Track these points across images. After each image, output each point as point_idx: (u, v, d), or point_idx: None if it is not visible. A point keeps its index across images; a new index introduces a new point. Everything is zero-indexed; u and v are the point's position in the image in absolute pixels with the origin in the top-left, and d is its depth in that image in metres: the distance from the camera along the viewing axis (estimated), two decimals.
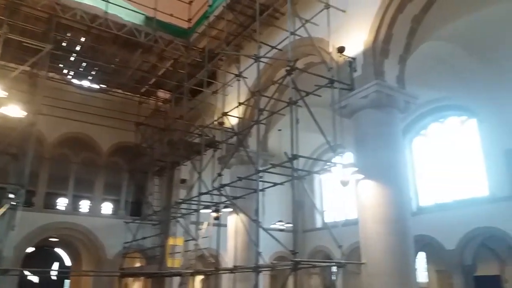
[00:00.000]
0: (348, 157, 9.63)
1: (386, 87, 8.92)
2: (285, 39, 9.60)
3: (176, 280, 14.90)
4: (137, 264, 19.22)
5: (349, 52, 9.39)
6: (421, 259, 16.80)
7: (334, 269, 19.53)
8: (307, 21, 9.50)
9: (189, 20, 15.13)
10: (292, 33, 9.46)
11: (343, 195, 17.43)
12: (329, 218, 19.41)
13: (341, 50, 9.28)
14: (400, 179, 8.65)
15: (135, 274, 18.56)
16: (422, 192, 16.53)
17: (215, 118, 13.03)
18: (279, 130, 14.00)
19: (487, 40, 11.71)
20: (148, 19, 14.41)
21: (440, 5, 9.24)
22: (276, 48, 10.51)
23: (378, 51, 9.07)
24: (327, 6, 9.45)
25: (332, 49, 9.48)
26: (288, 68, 9.00)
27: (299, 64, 10.52)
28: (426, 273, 16.96)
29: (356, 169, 8.45)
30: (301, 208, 20.49)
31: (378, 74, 8.98)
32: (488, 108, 13.74)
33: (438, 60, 12.49)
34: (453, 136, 15.94)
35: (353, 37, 9.53)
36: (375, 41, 9.07)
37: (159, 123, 16.76)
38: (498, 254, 14.91)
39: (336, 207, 19.54)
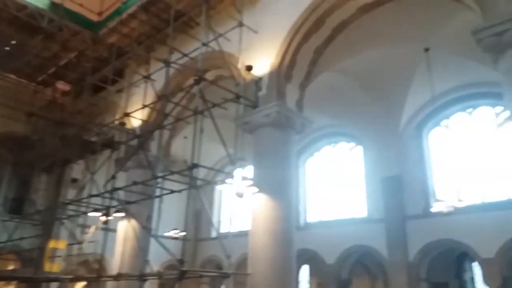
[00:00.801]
0: (249, 170, 10.06)
1: (286, 109, 9.58)
2: (197, 48, 9.75)
3: (54, 286, 13.75)
4: (11, 267, 17.27)
5: (257, 71, 9.90)
6: (304, 271, 17.97)
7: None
8: (220, 35, 9.80)
9: (100, 13, 14.43)
10: (204, 44, 9.67)
11: (241, 207, 17.94)
12: (226, 228, 19.75)
13: (249, 68, 9.76)
14: (290, 195, 9.27)
15: (7, 278, 16.62)
16: (310, 208, 17.78)
17: (117, 117, 12.56)
18: (185, 137, 13.99)
19: (377, 77, 13.26)
20: (55, 5, 13.42)
21: (340, 41, 10.27)
22: (188, 56, 10.59)
23: (282, 74, 9.73)
24: (240, 25, 9.89)
25: (241, 66, 9.92)
26: (196, 77, 9.15)
27: (209, 76, 10.75)
28: (309, 285, 18.16)
29: (252, 182, 8.87)
30: (198, 218, 20.51)
31: (280, 96, 9.60)
32: (372, 138, 15.41)
33: (334, 90, 13.73)
34: (342, 161, 17.54)
35: (261, 57, 10.07)
36: (281, 65, 9.72)
37: (54, 116, 15.52)
38: (370, 270, 16.67)
39: (233, 218, 19.97)
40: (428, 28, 10.63)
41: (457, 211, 11.22)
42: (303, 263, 17.37)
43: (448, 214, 10.86)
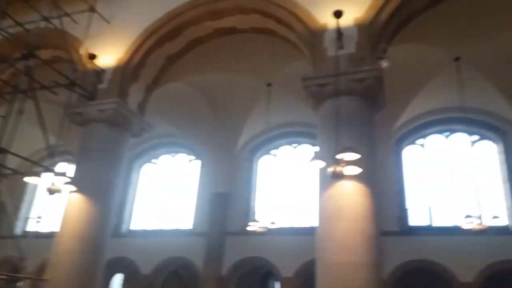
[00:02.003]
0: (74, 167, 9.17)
1: (126, 109, 9.20)
2: (35, 21, 8.60)
3: None
4: None
5: (101, 63, 9.29)
6: (117, 280, 17.10)
7: (21, 283, 17.32)
8: (66, 14, 8.90)
9: None
10: (45, 19, 8.63)
11: (55, 205, 16.13)
12: (34, 227, 17.38)
13: (92, 57, 9.10)
14: (111, 199, 8.82)
15: None
16: (136, 216, 17.19)
17: None
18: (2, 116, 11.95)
19: (225, 98, 13.90)
20: None
21: (194, 56, 10.51)
22: (22, 26, 9.25)
23: (128, 72, 9.36)
24: (92, 9, 9.20)
25: (84, 52, 9.17)
26: (26, 52, 8.04)
27: (44, 54, 9.57)
28: None
29: (69, 179, 8.10)
30: (1, 211, 17.57)
31: (122, 94, 9.20)
32: (210, 154, 15.94)
33: (181, 101, 13.84)
34: (179, 171, 17.62)
35: (109, 50, 9.52)
36: (128, 63, 9.35)
37: None
38: (184, 282, 16.90)
39: (44, 217, 17.77)
40: (272, 65, 11.72)
41: (269, 232, 12.41)
42: (118, 271, 16.53)
43: (261, 234, 11.93)
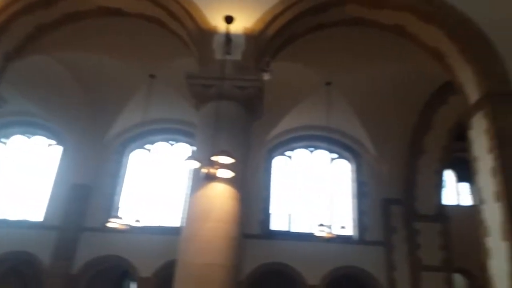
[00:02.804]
0: None
1: None
2: None
3: None
4: None
5: None
6: None
7: None
8: None
9: None
10: None
11: None
12: None
13: None
14: None
15: None
16: None
17: None
18: None
19: (102, 83, 12.79)
20: None
21: (72, 31, 9.46)
22: None
23: None
24: None
25: None
26: None
27: None
28: None
29: None
30: None
31: None
32: (75, 141, 14.39)
33: (48, 78, 12.35)
34: (34, 156, 15.62)
35: None
36: None
37: None
38: (25, 279, 14.97)
39: None
40: (158, 57, 11.26)
41: (131, 230, 11.79)
42: None
43: (122, 231, 11.28)
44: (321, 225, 11.66)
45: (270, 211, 14.74)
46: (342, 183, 15.49)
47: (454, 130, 12.99)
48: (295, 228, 14.77)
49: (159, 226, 14.31)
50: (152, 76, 12.26)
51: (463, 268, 14.22)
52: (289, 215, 15.00)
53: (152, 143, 15.82)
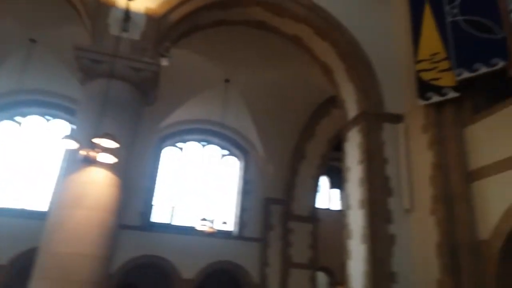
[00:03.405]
0: None
1: None
2: None
3: None
4: None
5: None
6: None
7: None
8: None
9: None
10: None
11: None
12: None
13: None
14: None
15: None
16: None
17: None
18: None
19: None
20: None
21: None
22: None
23: None
24: None
25: None
26: None
27: None
28: None
29: None
30: None
31: None
32: None
33: None
34: None
35: None
36: None
37: None
38: None
39: None
40: (39, 20, 10.02)
41: None
42: None
43: None
44: (204, 219, 11.68)
45: (153, 203, 14.27)
46: (229, 179, 15.77)
47: (333, 140, 14.22)
48: (177, 221, 14.55)
49: (22, 209, 12.76)
50: (32, 40, 10.86)
51: (327, 266, 15.65)
52: (173, 207, 14.71)
53: (24, 115, 13.99)
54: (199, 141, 15.85)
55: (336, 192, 17.55)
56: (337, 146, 13.10)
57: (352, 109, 8.54)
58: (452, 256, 6.36)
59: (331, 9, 8.38)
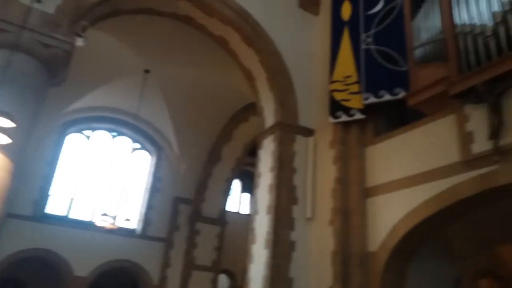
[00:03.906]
0: None
1: None
2: None
3: None
4: None
5: None
6: None
7: None
8: None
9: None
10: None
11: None
12: None
13: None
14: None
15: None
16: None
17: None
18: None
19: None
20: None
21: None
22: None
23: None
24: None
25: None
26: None
27: None
28: None
29: None
30: None
31: None
32: None
33: None
34: None
35: None
36: None
37: None
38: None
39: None
40: None
41: None
42: None
43: None
44: (105, 214, 11.04)
45: (50, 192, 13.11)
46: (138, 175, 15.15)
47: (249, 145, 14.48)
48: (75, 215, 13.53)
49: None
50: None
51: (229, 269, 15.81)
52: (71, 199, 13.67)
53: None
54: (109, 130, 15.00)
55: (247, 196, 17.88)
56: (252, 151, 13.37)
57: (269, 118, 8.79)
58: (344, 265, 6.84)
59: (260, 19, 8.56)
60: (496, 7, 5.70)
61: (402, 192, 6.62)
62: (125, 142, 15.22)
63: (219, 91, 12.52)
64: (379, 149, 7.34)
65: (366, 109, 7.49)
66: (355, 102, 7.57)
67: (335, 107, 7.80)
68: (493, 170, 5.40)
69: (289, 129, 8.33)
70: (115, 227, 11.40)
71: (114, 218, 12.20)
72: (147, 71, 11.84)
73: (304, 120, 8.52)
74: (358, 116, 7.53)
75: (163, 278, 13.64)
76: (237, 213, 17.18)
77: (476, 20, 5.90)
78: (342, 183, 7.43)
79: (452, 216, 6.28)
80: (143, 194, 14.87)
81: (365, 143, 7.57)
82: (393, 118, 7.79)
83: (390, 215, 6.65)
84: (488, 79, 5.49)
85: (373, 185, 7.16)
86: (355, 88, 7.63)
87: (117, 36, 10.35)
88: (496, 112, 5.36)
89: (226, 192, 15.17)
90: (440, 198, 5.98)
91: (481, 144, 5.55)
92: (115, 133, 15.08)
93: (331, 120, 7.84)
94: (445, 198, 5.92)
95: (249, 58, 8.84)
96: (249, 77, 9.11)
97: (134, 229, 14.16)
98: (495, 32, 5.62)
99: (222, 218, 15.03)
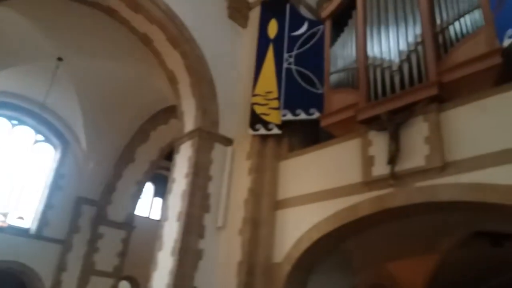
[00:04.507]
0: None
1: None
2: None
3: None
4: None
5: None
6: None
7: None
8: None
9: None
10: None
11: None
12: None
13: None
14: None
15: None
16: None
17: None
18: None
19: None
20: None
21: None
22: None
23: None
24: None
25: None
26: None
27: None
28: None
29: None
30: None
31: None
32: None
33: None
34: None
35: None
36: None
37: None
38: None
39: None
40: None
41: None
42: None
43: None
44: None
45: None
46: (39, 170, 13.85)
47: (166, 149, 14.10)
48: None
49: None
50: None
51: (132, 277, 15.09)
52: None
53: None
54: (9, 118, 13.57)
55: (160, 201, 17.33)
56: (168, 155, 13.03)
57: (189, 123, 8.67)
58: (248, 275, 6.94)
59: (188, 23, 8.44)
60: (403, 46, 6.36)
61: (308, 207, 6.95)
62: (26, 133, 13.86)
63: (140, 90, 12.05)
64: (291, 164, 7.64)
65: (283, 125, 7.77)
66: (274, 117, 7.82)
67: (255, 119, 7.97)
68: (388, 192, 5.94)
69: (209, 137, 8.29)
70: (5, 225, 10.29)
71: (6, 215, 10.97)
72: (60, 59, 10.97)
73: (224, 129, 8.56)
74: (276, 131, 7.78)
75: (57, 283, 12.59)
76: (147, 218, 16.55)
77: (386, 55, 6.51)
78: (255, 194, 7.58)
79: (351, 232, 6.75)
80: (42, 191, 13.62)
81: (280, 157, 7.83)
82: (308, 135, 8.18)
83: (297, 228, 6.93)
84: (390, 109, 6.08)
85: (284, 198, 7.42)
86: (274, 103, 7.88)
87: (30, 18, 9.47)
88: (394, 140, 5.92)
89: (136, 195, 14.55)
90: (341, 215, 6.40)
91: (380, 168, 6.08)
92: (15, 122, 13.67)
93: (250, 132, 7.98)
94: (346, 215, 6.35)
95: (174, 60, 8.66)
96: (172, 79, 8.91)
97: (28, 228, 12.89)
98: (400, 68, 6.25)
99: (129, 223, 14.35)
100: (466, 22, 5.85)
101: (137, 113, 13.20)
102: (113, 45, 10.18)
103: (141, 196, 15.01)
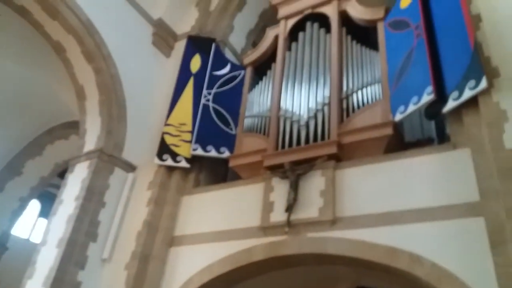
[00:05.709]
0: None
1: None
2: None
3: None
4: None
5: None
6: None
7: None
8: None
9: None
10: None
11: None
12: None
13: None
14: None
15: None
16: None
17: None
18: None
19: None
20: None
21: None
22: None
23: None
24: None
25: None
26: None
27: None
28: None
29: None
30: None
31: None
32: None
33: None
34: None
35: None
36: None
37: None
38: None
39: None
40: None
41: None
42: None
43: None
44: None
45: None
46: None
47: (61, 165, 12.87)
48: None
49: None
50: None
51: None
52: None
53: None
54: None
55: (45, 222, 15.57)
56: (63, 173, 11.90)
57: (90, 142, 8.10)
58: None
59: (108, 39, 8.12)
60: (312, 104, 6.82)
61: (204, 246, 6.78)
62: None
63: (41, 98, 11.01)
64: (195, 200, 7.49)
65: (193, 159, 7.67)
66: (184, 150, 7.70)
67: (164, 149, 7.76)
68: (282, 240, 6.08)
69: (109, 160, 7.80)
70: None
71: None
72: None
73: (129, 154, 8.14)
74: (183, 164, 7.63)
75: None
76: (27, 240, 14.72)
77: (297, 109, 6.92)
78: (150, 227, 7.21)
79: (244, 277, 6.69)
80: None
81: (184, 191, 7.64)
82: (217, 173, 8.16)
83: (189, 267, 6.68)
84: (294, 160, 6.38)
85: (181, 234, 7.16)
86: (187, 136, 7.79)
87: None
88: (294, 189, 6.17)
89: (16, 213, 12.91)
90: (235, 258, 6.35)
91: (278, 215, 6.23)
92: None
93: (156, 161, 7.71)
94: (240, 258, 6.31)
95: (86, 75, 8.18)
96: (80, 94, 8.36)
97: None
98: (307, 124, 6.67)
99: (3, 243, 12.60)
100: (368, 93, 6.53)
101: (35, 123, 12.00)
102: (20, 47, 9.28)
103: (22, 214, 13.35)
